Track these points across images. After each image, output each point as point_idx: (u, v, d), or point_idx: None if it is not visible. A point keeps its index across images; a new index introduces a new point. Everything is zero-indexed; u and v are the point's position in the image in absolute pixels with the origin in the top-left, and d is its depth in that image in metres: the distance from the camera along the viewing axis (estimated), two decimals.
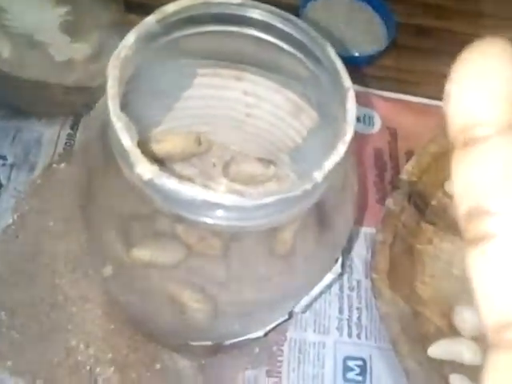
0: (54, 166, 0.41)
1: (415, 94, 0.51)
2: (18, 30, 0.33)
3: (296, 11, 0.52)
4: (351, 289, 0.41)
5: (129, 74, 0.21)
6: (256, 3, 0.23)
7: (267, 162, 0.35)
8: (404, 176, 0.43)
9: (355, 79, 0.52)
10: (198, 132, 0.35)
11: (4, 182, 0.41)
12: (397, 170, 0.47)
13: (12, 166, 0.41)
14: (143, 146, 0.33)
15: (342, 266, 0.28)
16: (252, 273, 0.28)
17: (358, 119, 0.25)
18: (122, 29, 0.44)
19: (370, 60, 0.52)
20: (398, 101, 0.51)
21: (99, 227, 0.26)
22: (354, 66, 0.52)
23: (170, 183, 0.17)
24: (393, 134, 0.49)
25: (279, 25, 0.23)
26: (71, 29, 0.34)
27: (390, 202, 0.42)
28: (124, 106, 0.25)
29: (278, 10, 0.23)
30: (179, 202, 0.18)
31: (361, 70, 0.52)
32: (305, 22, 0.23)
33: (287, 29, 0.23)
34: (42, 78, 0.39)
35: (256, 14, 0.23)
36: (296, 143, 0.33)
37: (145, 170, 0.18)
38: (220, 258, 0.28)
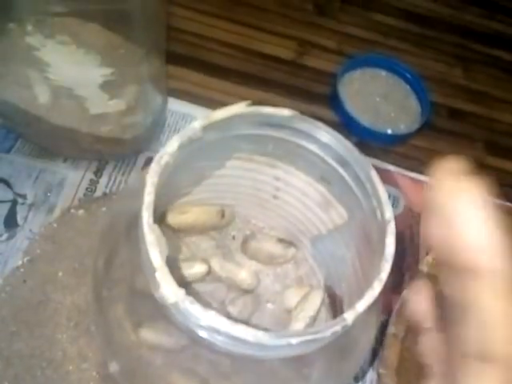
0: (72, 211, 0.41)
1: None
2: (59, 83, 0.33)
3: (334, 80, 0.52)
4: (356, 379, 0.39)
5: (166, 176, 0.20)
6: (306, 118, 0.22)
7: (287, 243, 0.35)
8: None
9: (383, 156, 0.52)
10: (221, 205, 0.34)
11: (20, 222, 0.40)
12: (416, 258, 0.45)
13: (31, 206, 0.41)
14: (166, 215, 0.33)
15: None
16: (260, 371, 0.27)
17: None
18: (161, 81, 0.45)
19: (402, 139, 0.52)
20: (425, 183, 0.50)
21: (109, 305, 0.25)
22: (385, 143, 0.52)
23: (194, 309, 0.17)
24: (415, 217, 0.48)
25: (324, 139, 0.22)
26: (111, 87, 0.34)
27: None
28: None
29: (325, 126, 0.23)
30: (200, 326, 0.17)
31: (391, 147, 0.52)
32: (351, 143, 0.22)
33: (332, 144, 0.22)
34: (74, 126, 0.39)
35: (304, 127, 0.22)
36: (320, 232, 0.32)
37: (170, 293, 0.17)
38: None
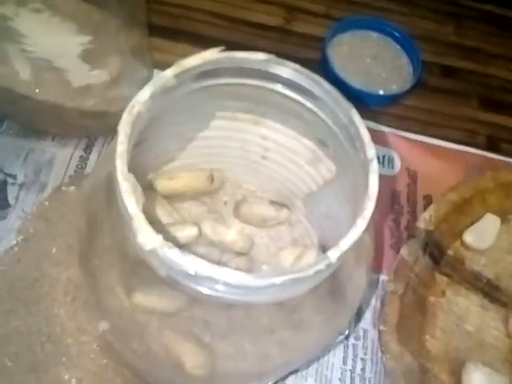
0: (64, 188, 0.41)
1: (438, 137, 0.50)
2: (37, 55, 0.33)
3: (323, 44, 0.51)
4: (357, 338, 0.39)
5: (141, 127, 0.20)
6: (282, 60, 0.22)
7: (280, 205, 0.34)
8: (421, 224, 0.41)
9: (377, 118, 0.51)
10: (211, 169, 0.34)
11: (12, 202, 0.40)
12: (413, 216, 0.45)
13: (21, 185, 0.41)
14: (154, 182, 0.32)
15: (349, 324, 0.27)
16: (256, 325, 0.27)
17: (377, 160, 0.23)
18: (143, 53, 0.44)
19: (394, 99, 0.51)
20: (420, 143, 0.49)
21: (100, 272, 0.25)
22: (377, 104, 0.51)
23: (173, 255, 0.16)
24: (412, 176, 0.48)
25: (303, 83, 0.22)
26: (91, 57, 0.34)
27: (404, 251, 0.40)
28: (137, 144, 0.24)
29: (302, 69, 0.22)
30: (182, 273, 0.17)
31: (384, 108, 0.51)
32: (329, 83, 0.22)
33: (310, 88, 0.22)
34: (58, 101, 0.38)
35: (282, 71, 0.22)
36: (311, 190, 0.32)
37: (147, 239, 0.17)
38: (223, 307, 0.27)
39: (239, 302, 0.18)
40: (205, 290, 0.17)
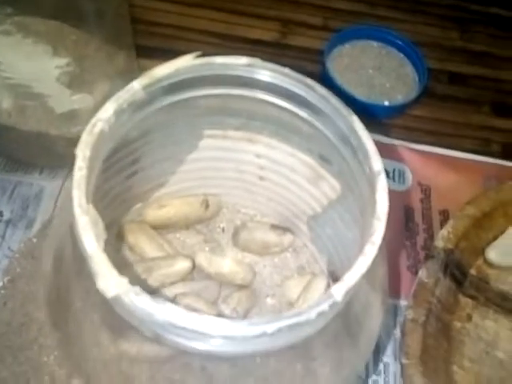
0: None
1: (450, 147, 0.47)
2: (15, 81, 0.31)
3: (322, 57, 0.49)
4: (377, 373, 0.36)
5: (108, 149, 0.17)
6: (267, 64, 0.19)
7: (282, 229, 0.31)
8: (439, 243, 0.38)
9: (384, 130, 0.48)
10: (205, 194, 0.31)
11: None
12: (430, 233, 0.42)
13: (8, 222, 0.38)
14: (142, 211, 0.29)
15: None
16: (259, 370, 0.24)
17: (387, 174, 0.20)
18: (132, 76, 0.42)
19: (401, 110, 0.48)
20: (431, 154, 0.46)
21: (79, 319, 0.22)
22: (383, 115, 0.48)
23: (141, 302, 0.13)
24: (426, 190, 0.44)
25: (293, 88, 0.19)
26: (72, 80, 0.31)
27: (423, 273, 0.37)
28: (118, 171, 0.21)
29: (291, 72, 0.19)
30: (154, 324, 0.14)
31: (390, 120, 0.48)
32: (325, 88, 0.19)
33: (302, 93, 0.19)
34: (42, 129, 0.36)
35: (268, 76, 0.19)
36: (315, 211, 0.29)
37: (109, 284, 0.14)
38: None
39: (228, 354, 0.15)
40: (186, 342, 0.14)
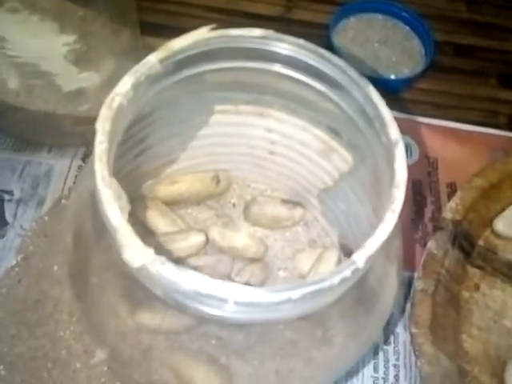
0: (63, 201, 0.38)
1: (457, 120, 0.47)
2: (22, 59, 0.31)
3: (327, 31, 0.48)
4: (387, 343, 0.36)
5: (126, 123, 0.17)
6: (282, 36, 0.19)
7: (293, 203, 0.31)
8: (447, 214, 0.38)
9: (391, 104, 0.48)
10: (215, 170, 0.31)
11: (10, 219, 0.38)
12: (438, 206, 0.42)
13: (19, 201, 0.38)
14: (154, 188, 0.30)
15: None
16: (276, 339, 0.24)
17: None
18: (137, 53, 0.42)
19: (407, 83, 0.48)
20: (438, 127, 0.46)
21: (98, 291, 0.22)
22: (389, 89, 0.48)
23: (166, 271, 0.14)
24: (433, 163, 0.44)
25: (309, 61, 0.19)
26: (79, 58, 0.31)
27: (431, 244, 0.37)
28: (131, 147, 0.22)
29: (307, 44, 0.19)
30: (180, 292, 0.14)
31: (397, 93, 0.48)
32: (340, 58, 0.19)
33: (318, 65, 0.19)
34: (50, 108, 0.36)
35: (282, 48, 0.19)
36: (326, 185, 0.29)
37: (135, 254, 0.14)
38: None
39: (252, 321, 0.15)
40: (211, 311, 0.15)
